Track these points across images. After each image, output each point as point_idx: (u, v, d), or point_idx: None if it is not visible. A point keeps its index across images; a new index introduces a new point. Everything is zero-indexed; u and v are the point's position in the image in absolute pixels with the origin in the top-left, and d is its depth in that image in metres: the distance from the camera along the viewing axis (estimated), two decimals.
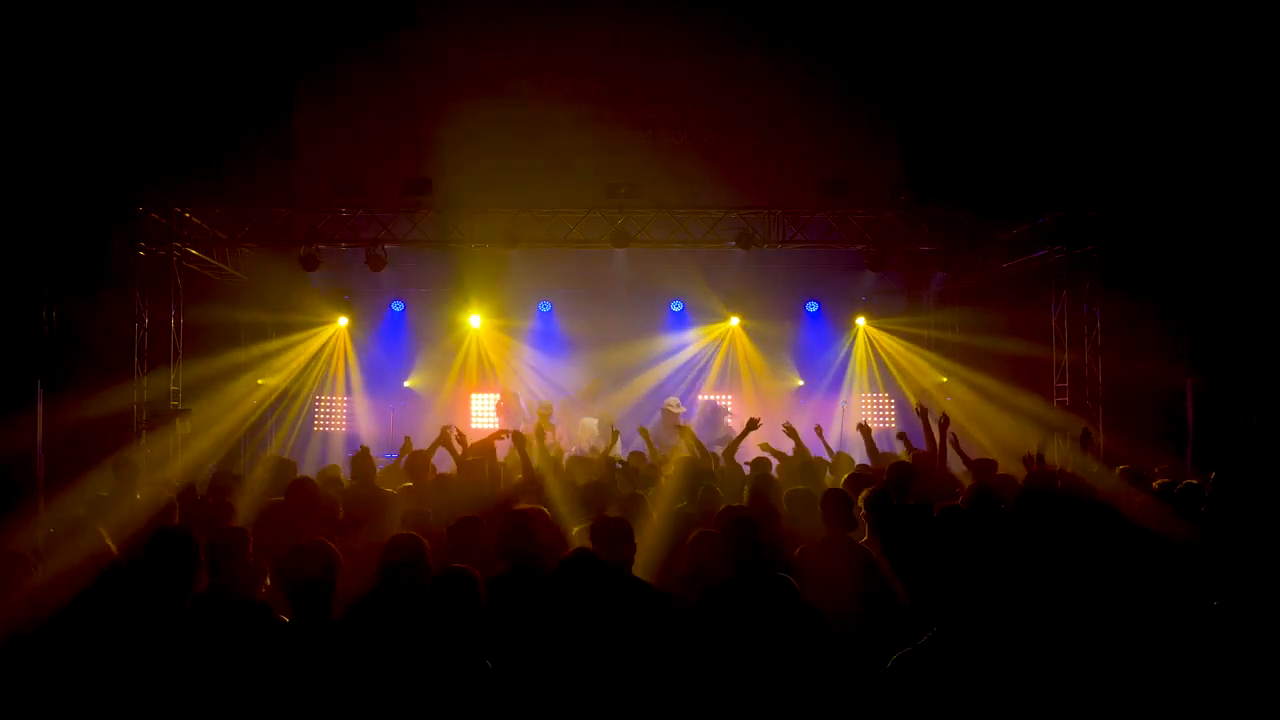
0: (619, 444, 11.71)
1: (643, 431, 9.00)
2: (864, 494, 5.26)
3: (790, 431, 8.06)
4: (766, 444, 8.18)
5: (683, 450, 8.02)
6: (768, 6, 11.54)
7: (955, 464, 7.84)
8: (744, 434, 8.08)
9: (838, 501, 5.15)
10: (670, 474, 7.20)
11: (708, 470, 7.30)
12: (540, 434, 8.57)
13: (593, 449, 10.95)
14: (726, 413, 12.90)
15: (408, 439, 8.12)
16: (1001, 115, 10.87)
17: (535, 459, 7.00)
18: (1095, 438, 8.11)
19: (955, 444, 7.86)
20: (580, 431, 11.84)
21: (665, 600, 4.32)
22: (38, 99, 9.36)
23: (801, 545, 5.01)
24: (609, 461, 8.04)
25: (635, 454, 8.66)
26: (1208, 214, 9.92)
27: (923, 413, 7.93)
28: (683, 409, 12.02)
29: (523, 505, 5.18)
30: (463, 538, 4.69)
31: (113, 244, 10.59)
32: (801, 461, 7.45)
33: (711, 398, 13.65)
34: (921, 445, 7.95)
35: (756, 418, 8.28)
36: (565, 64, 11.70)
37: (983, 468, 7.09)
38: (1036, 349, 12.00)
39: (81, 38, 9.59)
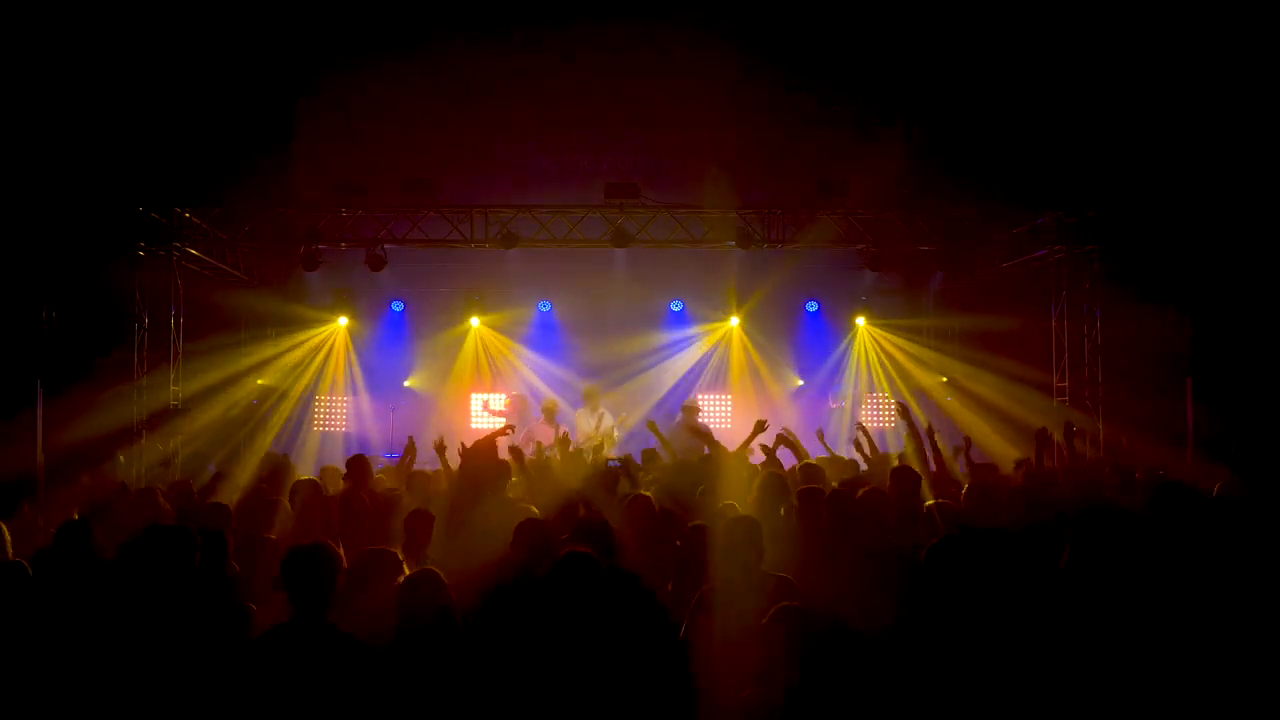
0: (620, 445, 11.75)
1: (652, 426, 8.82)
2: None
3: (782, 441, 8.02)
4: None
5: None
6: (769, 8, 11.55)
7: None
8: (752, 436, 8.02)
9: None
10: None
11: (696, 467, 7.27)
12: (565, 441, 8.71)
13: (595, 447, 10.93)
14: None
15: (411, 439, 8.11)
16: (1001, 115, 10.88)
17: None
18: (1069, 443, 7.96)
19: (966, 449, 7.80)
20: (579, 435, 11.84)
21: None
22: (40, 101, 9.35)
23: None
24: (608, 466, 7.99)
25: (649, 450, 8.60)
26: (1208, 214, 9.93)
27: (904, 411, 7.74)
28: (701, 407, 12.10)
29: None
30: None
31: (112, 244, 10.56)
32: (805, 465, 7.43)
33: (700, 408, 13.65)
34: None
35: (763, 420, 8.24)
36: (566, 64, 11.70)
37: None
38: (1036, 348, 12.01)
39: (87, 40, 9.58)
